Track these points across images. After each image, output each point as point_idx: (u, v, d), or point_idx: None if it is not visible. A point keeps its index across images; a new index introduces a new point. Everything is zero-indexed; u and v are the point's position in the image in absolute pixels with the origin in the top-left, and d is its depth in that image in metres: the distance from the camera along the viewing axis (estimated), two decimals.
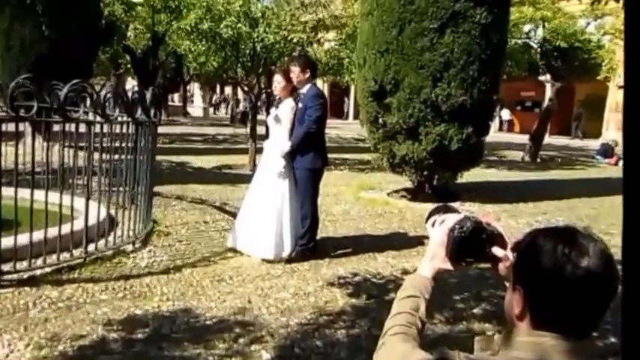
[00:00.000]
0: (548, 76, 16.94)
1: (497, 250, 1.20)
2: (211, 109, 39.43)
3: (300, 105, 5.11)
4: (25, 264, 4.18)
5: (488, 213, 1.70)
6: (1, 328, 3.37)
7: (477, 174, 9.82)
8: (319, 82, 9.16)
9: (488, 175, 11.87)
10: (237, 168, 11.19)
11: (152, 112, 5.38)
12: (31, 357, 3.08)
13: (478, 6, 7.27)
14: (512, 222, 7.12)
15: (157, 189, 6.53)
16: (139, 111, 5.13)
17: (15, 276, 4.11)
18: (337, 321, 3.79)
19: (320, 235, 5.54)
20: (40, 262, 4.28)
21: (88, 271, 4.43)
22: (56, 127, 4.81)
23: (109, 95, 5.00)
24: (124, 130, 5.08)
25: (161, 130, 6.76)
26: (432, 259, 1.27)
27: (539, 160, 15.98)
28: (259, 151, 6.57)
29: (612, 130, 23.55)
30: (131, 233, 5.14)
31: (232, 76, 11.55)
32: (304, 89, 5.14)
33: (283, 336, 3.51)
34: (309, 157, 5.07)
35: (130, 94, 5.25)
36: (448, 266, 1.26)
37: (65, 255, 4.45)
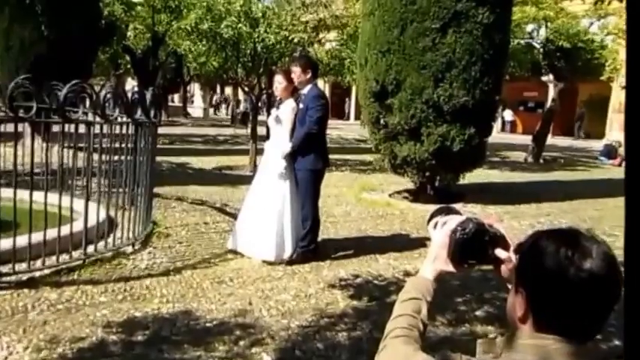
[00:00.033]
0: (550, 77, 16.89)
1: (499, 252, 1.20)
2: (212, 110, 39.47)
3: (301, 106, 5.09)
4: (24, 265, 4.17)
5: (490, 214, 1.67)
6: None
7: (479, 175, 9.80)
8: (320, 83, 9.14)
9: (491, 177, 11.84)
10: (238, 169, 11.17)
11: (152, 112, 5.36)
12: (29, 359, 3.06)
13: (480, 6, 7.24)
14: (515, 223, 7.10)
15: (156, 190, 6.51)
16: (139, 111, 5.12)
17: (14, 278, 4.10)
18: (338, 323, 3.77)
19: (321, 236, 5.52)
20: (39, 263, 4.27)
21: (88, 273, 4.41)
22: (55, 128, 4.79)
23: (108, 96, 5.00)
24: (124, 131, 5.07)
25: (161, 130, 6.76)
26: (433, 261, 1.27)
27: (542, 161, 15.94)
28: (260, 152, 6.55)
29: (616, 131, 23.46)
30: (131, 235, 5.12)
31: (233, 76, 11.53)
32: (305, 90, 5.12)
33: (284, 338, 3.50)
34: (310, 158, 5.05)
35: (129, 94, 5.24)
36: (450, 268, 1.25)
37: (64, 257, 4.44)
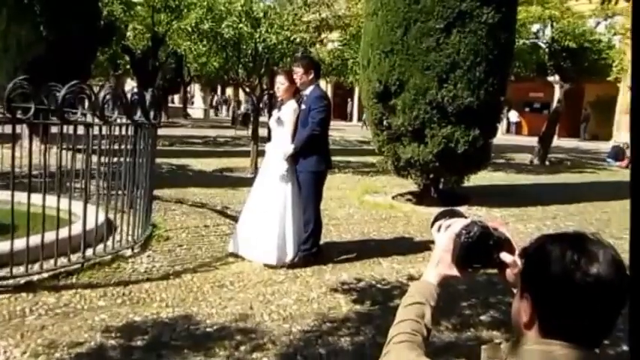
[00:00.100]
0: (556, 77, 16.82)
1: (504, 256, 1.18)
2: (212, 111, 39.60)
3: (303, 107, 5.05)
4: (21, 269, 4.14)
5: (495, 218, 1.62)
6: None
7: (484, 177, 9.73)
8: (322, 83, 9.11)
9: (496, 179, 11.78)
10: (239, 171, 11.14)
11: (152, 113, 5.34)
12: None
13: (485, 5, 7.19)
14: (521, 227, 7.04)
15: (156, 192, 6.51)
16: (139, 113, 5.10)
17: (11, 281, 4.07)
18: (341, 328, 3.73)
19: (323, 239, 5.47)
20: (37, 267, 4.23)
21: (86, 277, 4.38)
22: (54, 130, 4.75)
23: (107, 97, 4.95)
24: (123, 133, 5.05)
25: (161, 132, 6.76)
26: (437, 265, 1.26)
27: (547, 162, 15.87)
28: (261, 153, 6.50)
29: (623, 132, 23.36)
30: (130, 238, 5.09)
31: (234, 77, 11.51)
32: (307, 91, 5.08)
33: (285, 343, 3.46)
34: (313, 159, 5.01)
35: (129, 95, 5.23)
36: (454, 272, 1.24)
37: (63, 260, 4.40)
